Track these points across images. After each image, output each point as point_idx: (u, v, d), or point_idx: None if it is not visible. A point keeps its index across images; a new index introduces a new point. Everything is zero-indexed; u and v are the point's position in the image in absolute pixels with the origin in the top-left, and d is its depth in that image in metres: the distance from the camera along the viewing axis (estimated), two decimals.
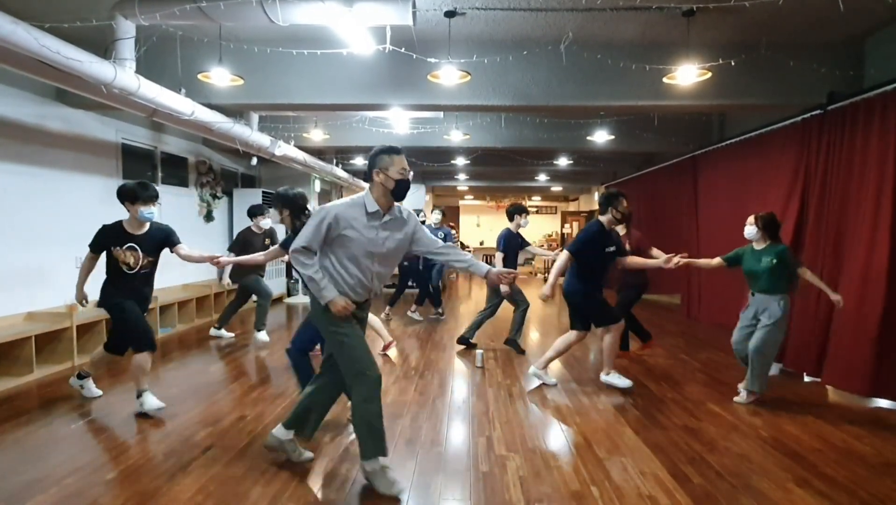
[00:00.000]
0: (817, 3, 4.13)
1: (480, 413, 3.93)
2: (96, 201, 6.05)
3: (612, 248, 4.40)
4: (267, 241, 6.35)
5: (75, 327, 5.15)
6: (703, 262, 4.57)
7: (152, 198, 3.79)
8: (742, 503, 2.67)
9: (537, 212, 20.82)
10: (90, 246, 3.83)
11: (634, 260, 4.56)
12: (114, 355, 4.01)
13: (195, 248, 4.24)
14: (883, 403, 4.13)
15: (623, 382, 4.48)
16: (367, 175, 2.78)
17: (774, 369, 5.20)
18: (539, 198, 20.33)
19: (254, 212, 6.35)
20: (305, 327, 3.73)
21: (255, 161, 8.31)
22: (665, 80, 4.73)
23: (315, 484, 2.85)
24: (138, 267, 3.80)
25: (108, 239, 3.77)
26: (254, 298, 6.46)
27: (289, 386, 4.52)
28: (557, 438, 3.51)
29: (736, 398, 4.18)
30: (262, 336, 6.20)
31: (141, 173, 6.91)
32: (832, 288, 4.06)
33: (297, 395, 4.25)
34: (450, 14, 4.44)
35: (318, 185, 11.03)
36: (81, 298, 3.94)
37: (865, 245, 4.29)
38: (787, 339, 4.87)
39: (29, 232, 5.15)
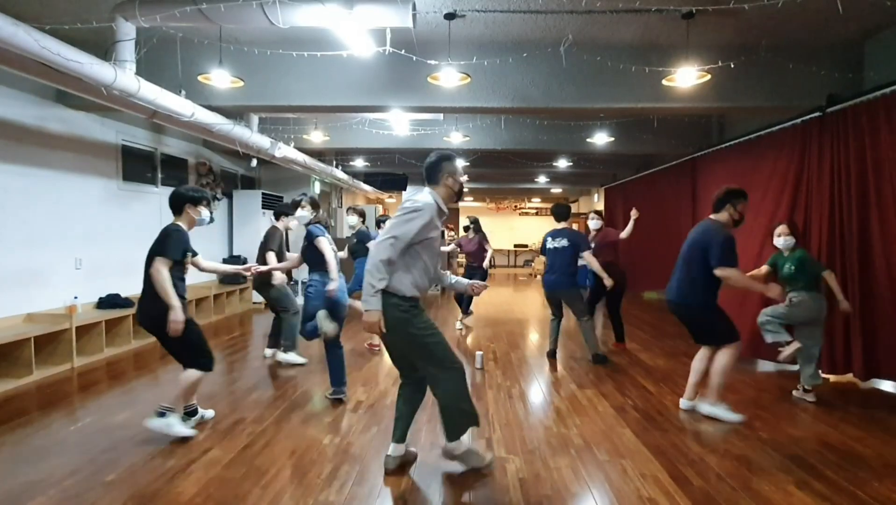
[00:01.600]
0: (816, 5, 4.13)
1: (480, 415, 3.91)
2: (96, 203, 6.06)
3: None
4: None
5: (74, 329, 5.14)
6: (756, 274, 4.44)
7: (209, 201, 3.63)
8: None
9: (537, 214, 20.85)
10: (171, 254, 3.29)
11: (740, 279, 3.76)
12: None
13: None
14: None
15: (732, 416, 3.80)
16: (431, 178, 2.90)
17: (770, 367, 5.22)
18: (539, 200, 20.36)
19: (284, 211, 5.57)
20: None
21: (254, 163, 8.31)
22: (664, 82, 4.73)
23: (315, 485, 2.85)
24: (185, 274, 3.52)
25: (187, 243, 3.42)
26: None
27: (288, 388, 4.52)
28: (557, 440, 3.51)
29: (795, 393, 4.33)
30: (292, 357, 5.32)
31: (141, 175, 6.92)
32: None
33: (296, 394, 4.26)
34: (449, 16, 4.45)
35: (317, 187, 11.04)
36: (183, 319, 3.30)
37: (866, 244, 4.30)
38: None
39: (29, 233, 5.15)
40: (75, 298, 5.51)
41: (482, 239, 7.55)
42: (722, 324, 3.83)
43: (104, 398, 4.26)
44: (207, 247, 7.49)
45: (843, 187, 4.66)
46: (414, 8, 3.90)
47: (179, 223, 3.46)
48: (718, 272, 3.62)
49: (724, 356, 3.83)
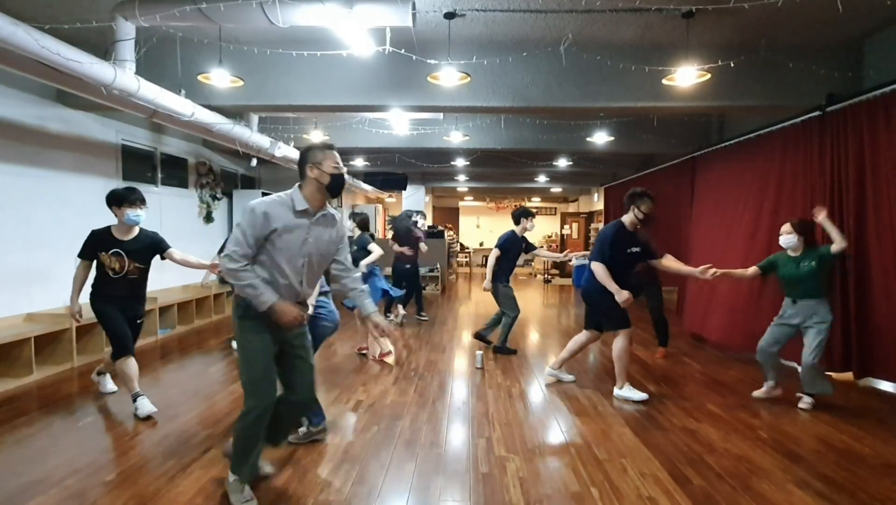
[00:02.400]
0: (816, 4, 4.13)
1: (480, 414, 3.93)
2: (96, 202, 6.02)
3: (636, 250, 4.23)
4: None
5: (75, 329, 5.15)
6: (738, 272, 4.40)
7: (138, 201, 3.81)
8: None
9: (537, 213, 20.83)
10: (80, 254, 3.87)
11: (668, 263, 4.37)
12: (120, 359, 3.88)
13: (193, 252, 4.23)
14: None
15: (637, 394, 4.25)
16: (299, 172, 2.64)
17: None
18: (539, 199, 20.35)
19: None
20: None
21: (254, 162, 8.31)
22: (664, 81, 4.73)
23: (315, 485, 2.85)
24: (124, 272, 3.83)
25: (96, 243, 3.83)
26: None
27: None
28: (557, 439, 3.51)
29: (801, 404, 4.09)
30: None
31: (141, 174, 6.92)
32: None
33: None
34: (449, 15, 4.45)
35: None
36: (76, 312, 3.95)
37: (863, 246, 4.30)
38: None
39: (29, 233, 5.15)
40: None
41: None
42: (611, 311, 4.23)
43: (104, 398, 4.26)
44: (207, 247, 7.49)
45: (842, 186, 4.66)
46: (414, 7, 3.90)
47: (112, 224, 3.86)
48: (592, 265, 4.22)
49: (617, 342, 4.30)
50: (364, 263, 5.42)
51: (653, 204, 4.22)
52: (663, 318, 5.70)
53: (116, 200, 3.79)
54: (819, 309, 3.97)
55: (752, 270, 4.28)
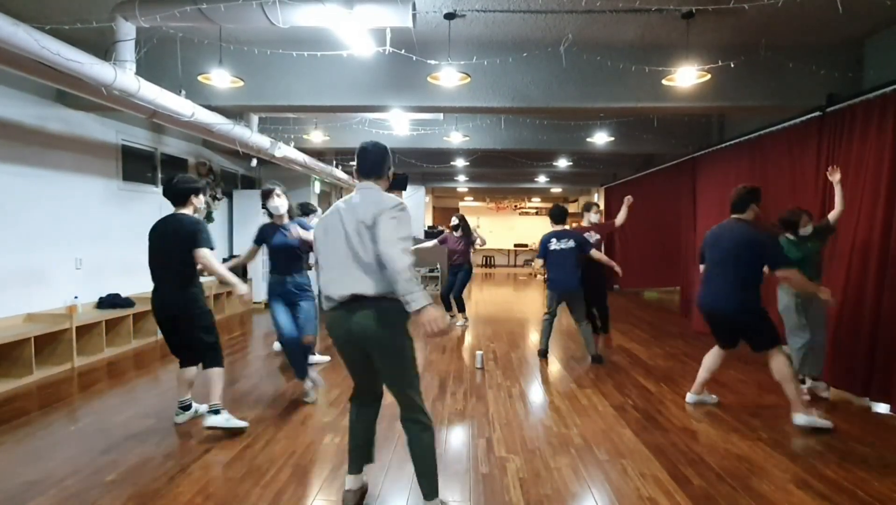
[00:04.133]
0: (816, 5, 4.13)
1: (480, 414, 3.93)
2: (97, 202, 6.06)
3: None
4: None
5: (75, 329, 5.15)
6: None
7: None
8: None
9: (537, 213, 20.85)
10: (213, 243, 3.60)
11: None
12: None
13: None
14: (881, 407, 4.14)
15: (821, 422, 3.68)
16: (373, 173, 2.50)
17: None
18: (539, 199, 20.36)
19: (308, 210, 5.57)
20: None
21: (255, 162, 8.30)
22: (664, 81, 4.73)
23: (315, 485, 2.85)
24: None
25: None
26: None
27: (288, 388, 4.52)
28: (557, 439, 3.51)
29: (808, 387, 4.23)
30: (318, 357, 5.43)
31: (141, 175, 6.92)
32: (830, 287, 4.09)
33: (296, 395, 4.26)
34: (449, 16, 4.45)
35: (317, 187, 11.04)
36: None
37: (865, 245, 4.30)
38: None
39: (29, 233, 5.15)
40: (75, 297, 5.52)
41: (468, 240, 7.62)
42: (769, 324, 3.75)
43: (104, 398, 4.27)
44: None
45: (842, 186, 4.65)
46: (414, 8, 3.90)
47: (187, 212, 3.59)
48: (780, 273, 3.66)
49: (778, 361, 3.69)
50: None
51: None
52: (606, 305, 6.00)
53: (196, 190, 3.60)
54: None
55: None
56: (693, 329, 7.03)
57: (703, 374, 4.13)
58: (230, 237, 9.36)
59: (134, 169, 6.74)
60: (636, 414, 3.97)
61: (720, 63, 4.53)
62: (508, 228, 20.56)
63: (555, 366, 5.43)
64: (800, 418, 3.64)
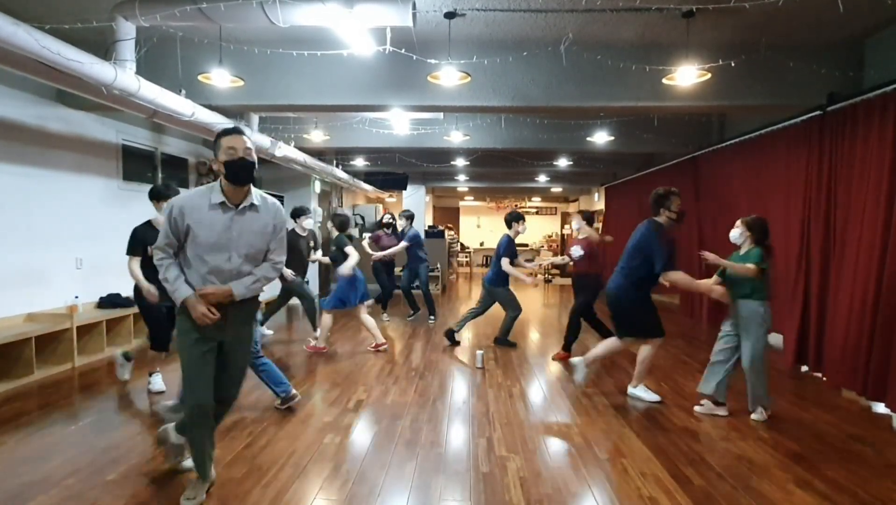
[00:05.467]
0: (817, 4, 4.13)
1: (481, 414, 3.93)
2: (97, 202, 6.06)
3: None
4: (311, 242, 6.46)
5: (75, 328, 5.15)
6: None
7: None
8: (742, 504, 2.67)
9: (537, 213, 20.84)
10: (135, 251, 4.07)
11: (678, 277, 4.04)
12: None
13: None
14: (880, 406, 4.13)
15: (651, 395, 4.27)
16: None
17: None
18: (539, 199, 20.34)
19: (299, 213, 6.25)
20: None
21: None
22: (665, 81, 4.73)
23: (315, 485, 2.85)
24: None
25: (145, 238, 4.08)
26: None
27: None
28: (558, 439, 3.51)
29: (754, 415, 3.86)
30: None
31: (141, 174, 6.91)
32: (833, 287, 4.07)
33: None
34: (450, 15, 4.44)
35: (318, 187, 11.04)
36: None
37: (865, 245, 4.30)
38: (788, 330, 4.88)
39: (29, 233, 5.15)
40: (76, 297, 5.51)
41: (399, 237, 7.84)
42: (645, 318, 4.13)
43: (105, 398, 4.27)
44: None
45: (842, 186, 4.65)
46: (414, 7, 3.90)
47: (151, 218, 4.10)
48: (664, 277, 3.96)
49: (645, 349, 4.20)
50: (347, 266, 5.48)
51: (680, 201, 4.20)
52: (579, 321, 5.63)
53: (157, 195, 4.06)
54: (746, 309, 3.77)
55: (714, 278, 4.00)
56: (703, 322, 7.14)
57: (639, 368, 4.33)
58: None
59: (134, 169, 6.74)
60: (636, 413, 3.97)
61: (720, 62, 4.53)
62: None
63: (555, 365, 5.43)
64: (631, 389, 4.30)
